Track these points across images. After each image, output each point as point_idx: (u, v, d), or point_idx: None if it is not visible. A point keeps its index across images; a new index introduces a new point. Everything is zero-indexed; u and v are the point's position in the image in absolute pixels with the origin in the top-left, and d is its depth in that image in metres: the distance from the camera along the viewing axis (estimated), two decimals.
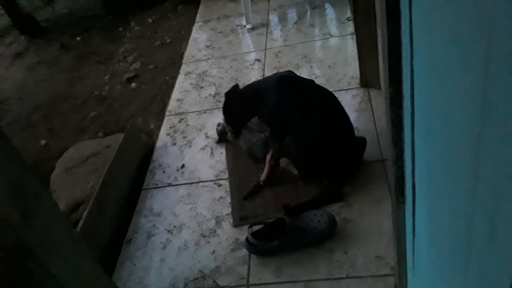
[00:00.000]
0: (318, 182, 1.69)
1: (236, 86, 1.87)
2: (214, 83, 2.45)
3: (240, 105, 1.78)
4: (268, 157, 1.74)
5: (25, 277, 1.25)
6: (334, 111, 1.68)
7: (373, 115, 1.94)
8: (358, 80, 2.14)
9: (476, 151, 0.43)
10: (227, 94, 1.83)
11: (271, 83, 1.70)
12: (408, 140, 0.86)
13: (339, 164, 1.64)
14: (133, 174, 2.00)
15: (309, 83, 1.73)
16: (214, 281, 1.49)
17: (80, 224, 1.61)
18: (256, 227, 1.55)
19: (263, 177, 1.75)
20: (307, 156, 1.65)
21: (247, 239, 1.51)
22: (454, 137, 0.52)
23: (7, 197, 1.08)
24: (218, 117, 2.19)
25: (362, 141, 1.72)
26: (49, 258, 1.21)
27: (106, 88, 2.81)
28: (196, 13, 3.25)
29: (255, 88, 1.77)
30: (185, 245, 1.63)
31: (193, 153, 2.03)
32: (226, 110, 1.85)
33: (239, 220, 1.66)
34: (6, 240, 1.14)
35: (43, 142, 2.48)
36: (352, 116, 1.95)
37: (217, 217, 1.70)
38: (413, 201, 0.93)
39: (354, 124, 1.90)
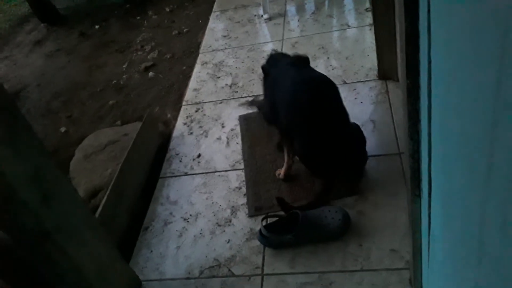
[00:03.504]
0: (328, 176, 1.66)
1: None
2: (230, 73, 2.46)
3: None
4: (285, 155, 1.73)
5: (43, 259, 1.29)
6: (332, 103, 1.61)
7: (391, 108, 1.93)
8: (375, 72, 2.12)
9: (491, 143, 0.43)
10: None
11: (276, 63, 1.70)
12: (425, 133, 0.86)
13: (340, 159, 1.60)
14: (150, 162, 2.02)
15: (310, 71, 1.68)
16: (229, 270, 1.50)
17: (99, 210, 1.64)
18: (270, 220, 1.56)
19: (282, 175, 1.75)
20: (311, 152, 1.62)
21: (260, 231, 1.52)
22: (469, 130, 0.52)
23: (27, 182, 1.12)
24: (235, 108, 2.19)
25: (357, 130, 1.65)
26: (67, 242, 1.25)
27: (124, 76, 2.84)
28: (213, 2, 3.24)
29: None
30: (200, 233, 1.65)
31: (209, 142, 2.05)
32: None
33: (254, 210, 1.67)
34: (25, 223, 1.17)
35: (62, 129, 2.53)
36: (369, 108, 1.95)
37: (233, 206, 1.72)
38: (429, 194, 0.93)
39: (371, 117, 1.89)
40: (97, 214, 1.62)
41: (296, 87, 1.58)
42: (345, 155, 1.59)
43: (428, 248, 1.05)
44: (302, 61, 1.70)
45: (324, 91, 1.60)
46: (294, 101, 1.57)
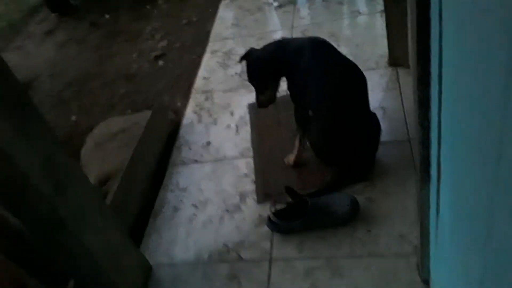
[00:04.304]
0: (340, 165, 1.66)
1: (253, 49, 1.72)
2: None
3: (267, 64, 1.63)
4: (297, 142, 1.73)
5: (58, 247, 1.31)
6: (359, 93, 1.62)
7: (401, 95, 1.91)
8: (386, 59, 2.10)
9: (501, 131, 0.43)
10: (246, 57, 1.70)
11: (305, 44, 1.60)
12: (435, 120, 0.86)
13: (355, 150, 1.60)
14: (160, 150, 2.04)
15: (342, 57, 1.64)
16: (238, 255, 1.52)
17: (110, 197, 1.66)
18: (278, 206, 1.57)
19: (291, 161, 1.75)
20: (325, 138, 1.62)
21: (269, 217, 1.53)
22: (479, 117, 0.52)
23: (40, 171, 1.13)
24: (244, 96, 2.20)
25: (375, 120, 1.65)
26: (80, 229, 1.27)
27: (134, 66, 2.85)
28: None
29: (284, 46, 1.63)
30: (210, 219, 1.67)
31: (218, 130, 2.06)
32: (252, 73, 1.68)
33: (263, 197, 1.68)
34: (40, 212, 1.19)
35: (73, 118, 2.55)
36: (379, 95, 1.94)
37: (242, 193, 1.73)
38: (438, 180, 0.93)
39: (382, 104, 1.89)
40: (108, 201, 1.64)
41: (328, 73, 1.57)
42: (361, 146, 1.60)
43: (436, 234, 1.06)
44: (327, 45, 1.64)
45: (355, 81, 1.60)
46: (324, 86, 1.56)
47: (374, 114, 1.65)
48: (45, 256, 1.38)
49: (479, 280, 0.62)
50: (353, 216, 1.50)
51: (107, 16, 3.51)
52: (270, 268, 1.46)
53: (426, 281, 1.27)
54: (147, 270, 1.54)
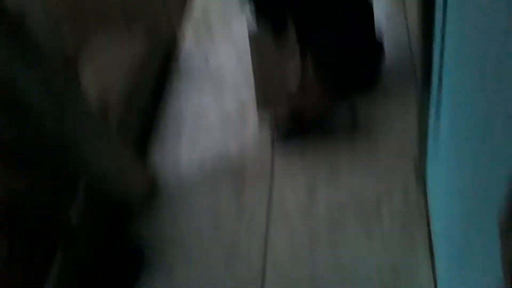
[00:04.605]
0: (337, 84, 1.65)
1: None
2: None
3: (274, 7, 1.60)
4: (299, 64, 1.70)
5: (63, 165, 1.35)
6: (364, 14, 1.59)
7: (405, 13, 1.88)
8: None
9: (505, 40, 0.43)
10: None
11: None
12: (438, 29, 0.86)
13: (358, 67, 1.60)
14: (159, 68, 2.02)
15: None
16: (241, 159, 1.59)
17: (112, 114, 1.68)
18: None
19: (294, 85, 1.74)
20: (327, 57, 1.60)
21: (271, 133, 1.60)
22: (483, 31, 0.52)
23: (40, 89, 1.14)
24: (244, 22, 2.07)
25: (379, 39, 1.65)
26: (84, 147, 1.31)
27: None
28: None
29: None
30: (212, 127, 1.73)
31: (218, 56, 2.02)
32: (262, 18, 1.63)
33: (263, 103, 1.72)
34: (45, 136, 1.22)
35: (67, 34, 2.49)
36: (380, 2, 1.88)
37: (241, 100, 1.78)
38: (439, 92, 0.94)
39: (383, 13, 1.86)
40: (110, 117, 1.66)
41: None
42: (364, 62, 1.61)
43: (435, 137, 1.09)
44: None
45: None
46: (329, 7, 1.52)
47: (380, 39, 1.64)
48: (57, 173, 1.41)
49: (470, 175, 0.66)
50: (354, 128, 1.55)
51: None
52: (271, 178, 1.52)
53: (423, 181, 1.35)
54: (153, 183, 1.60)
